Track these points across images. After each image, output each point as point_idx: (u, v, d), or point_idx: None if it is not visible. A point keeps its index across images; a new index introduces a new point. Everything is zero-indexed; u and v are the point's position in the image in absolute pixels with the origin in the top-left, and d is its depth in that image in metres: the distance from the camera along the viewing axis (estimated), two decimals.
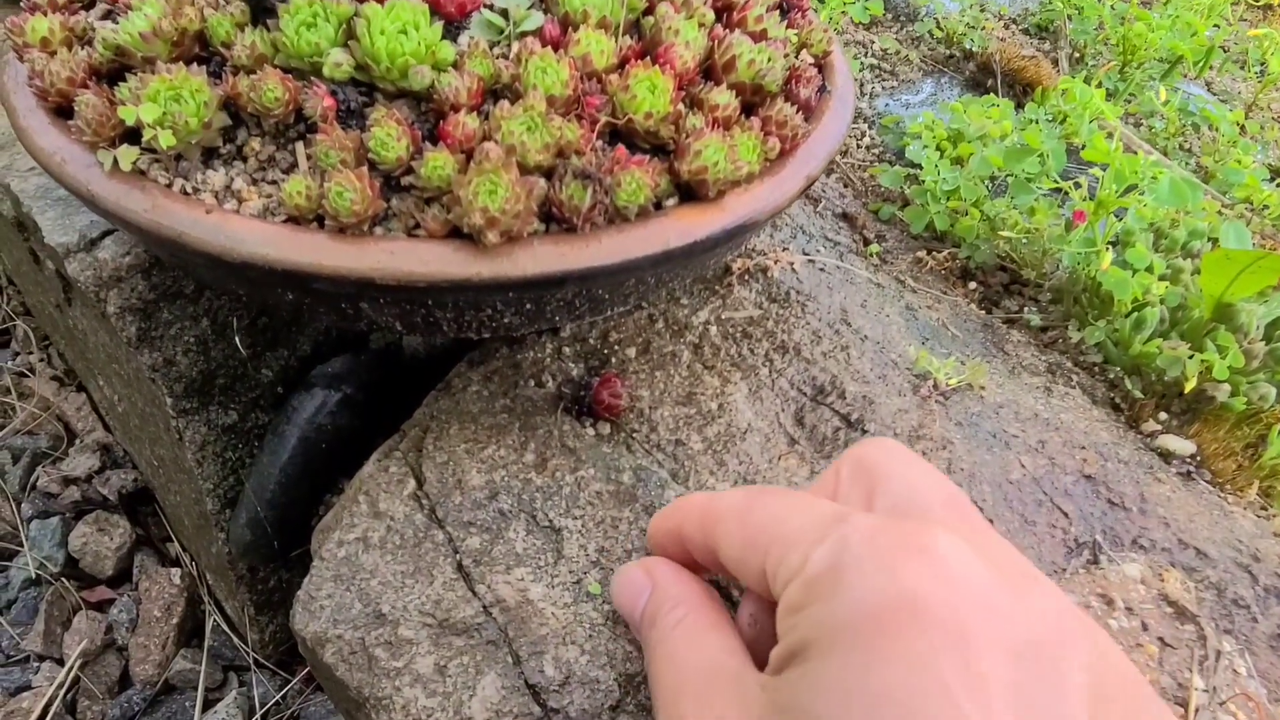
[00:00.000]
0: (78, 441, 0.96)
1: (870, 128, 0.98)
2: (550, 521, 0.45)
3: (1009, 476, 0.52)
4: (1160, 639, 0.44)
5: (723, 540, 0.31)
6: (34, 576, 0.84)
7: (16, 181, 0.67)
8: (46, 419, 0.98)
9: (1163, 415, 0.61)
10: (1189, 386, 0.59)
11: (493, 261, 0.42)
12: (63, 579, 0.85)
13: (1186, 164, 1.01)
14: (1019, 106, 0.97)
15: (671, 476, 0.47)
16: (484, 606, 0.41)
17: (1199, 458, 0.58)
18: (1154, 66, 1.14)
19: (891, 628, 0.22)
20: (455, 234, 0.42)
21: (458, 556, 0.43)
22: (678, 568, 0.36)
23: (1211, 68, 1.26)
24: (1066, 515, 0.50)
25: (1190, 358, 0.59)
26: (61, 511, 0.89)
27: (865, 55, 1.07)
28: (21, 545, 0.87)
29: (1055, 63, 1.13)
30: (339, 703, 0.44)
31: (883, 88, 1.04)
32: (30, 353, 1.04)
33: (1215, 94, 1.23)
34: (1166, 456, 0.58)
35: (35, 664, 0.79)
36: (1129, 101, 1.08)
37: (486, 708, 0.38)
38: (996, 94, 1.02)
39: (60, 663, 0.79)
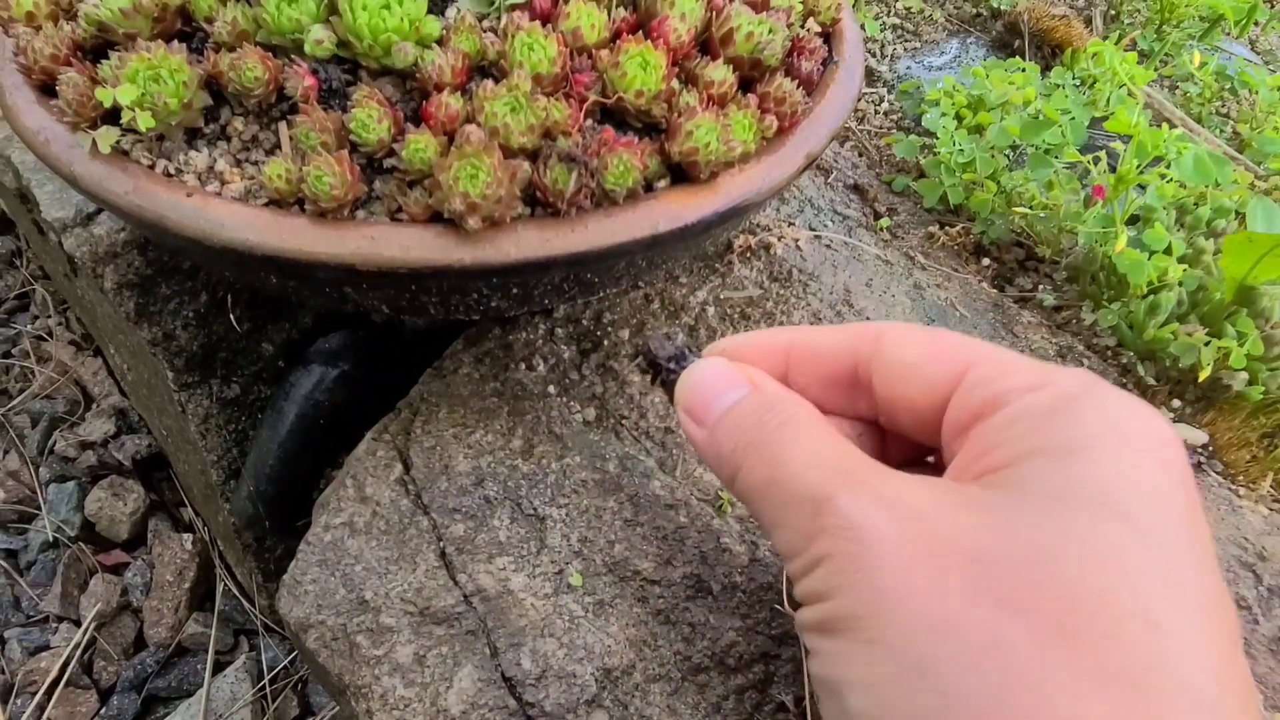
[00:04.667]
0: (94, 406, 0.98)
1: (890, 92, 0.94)
2: (535, 510, 0.44)
3: None
4: None
5: (892, 347, 0.31)
6: (51, 539, 0.86)
7: (18, 153, 0.67)
8: (64, 383, 0.99)
9: (1175, 403, 0.59)
10: (1204, 374, 0.57)
11: (475, 247, 0.41)
12: (79, 542, 0.87)
13: (1222, 131, 0.97)
14: (1047, 69, 0.93)
15: (659, 465, 0.46)
16: (464, 596, 0.41)
17: (1211, 448, 0.56)
18: (1193, 25, 1.08)
19: (1143, 448, 0.25)
20: (438, 218, 0.41)
21: (441, 544, 0.43)
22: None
23: (1256, 24, 1.20)
24: None
25: (1206, 344, 0.57)
26: (78, 476, 0.91)
27: (886, 14, 1.03)
28: (40, 508, 0.89)
29: (1088, 22, 1.09)
30: (324, 686, 0.44)
31: (905, 49, 1.00)
32: (49, 316, 1.06)
33: (1259, 54, 1.17)
34: None
35: (54, 625, 0.81)
36: (1164, 63, 1.03)
37: (463, 700, 0.38)
38: (1024, 56, 0.98)
39: (77, 624, 0.81)
